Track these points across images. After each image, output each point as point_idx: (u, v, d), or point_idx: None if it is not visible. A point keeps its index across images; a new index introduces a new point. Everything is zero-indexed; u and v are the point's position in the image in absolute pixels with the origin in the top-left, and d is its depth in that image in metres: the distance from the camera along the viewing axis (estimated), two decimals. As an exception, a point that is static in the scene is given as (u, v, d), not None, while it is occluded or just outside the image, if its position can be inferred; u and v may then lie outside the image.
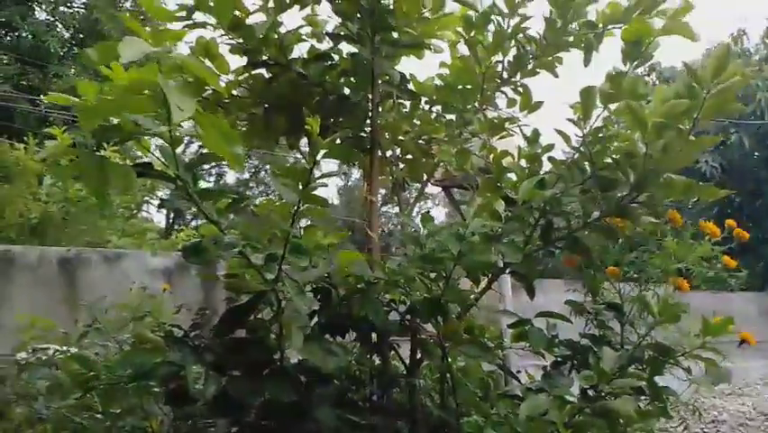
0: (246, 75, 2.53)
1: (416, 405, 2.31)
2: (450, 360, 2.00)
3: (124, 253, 6.58)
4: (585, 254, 2.21)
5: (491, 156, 2.59)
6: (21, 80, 12.86)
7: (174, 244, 9.74)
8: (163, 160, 1.44)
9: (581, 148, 2.01)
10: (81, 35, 14.41)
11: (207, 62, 2.52)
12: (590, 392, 1.81)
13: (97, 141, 1.35)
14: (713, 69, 1.89)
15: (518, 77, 2.55)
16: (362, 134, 2.57)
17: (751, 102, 10.38)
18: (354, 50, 2.43)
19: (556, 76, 2.61)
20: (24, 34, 14.18)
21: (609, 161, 2.02)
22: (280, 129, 2.60)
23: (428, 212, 2.01)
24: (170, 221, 21.77)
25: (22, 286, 5.63)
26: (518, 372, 2.50)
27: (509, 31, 2.38)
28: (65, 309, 5.35)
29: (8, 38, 14.29)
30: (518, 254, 1.99)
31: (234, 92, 2.62)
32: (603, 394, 1.71)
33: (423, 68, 2.70)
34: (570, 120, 2.07)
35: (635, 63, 2.04)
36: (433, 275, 1.95)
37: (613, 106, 2.06)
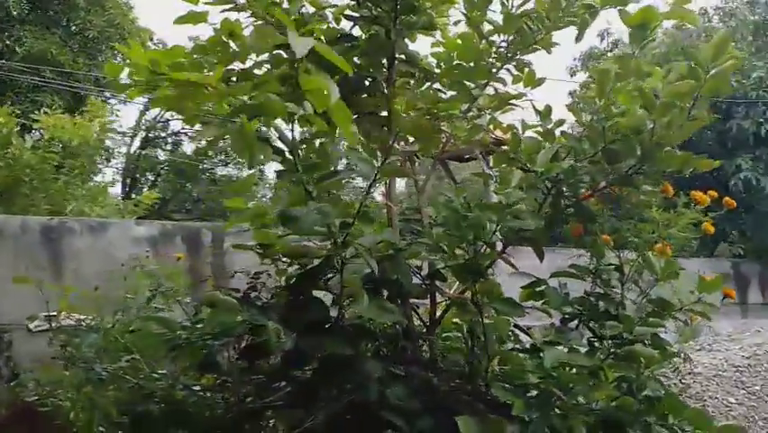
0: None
1: (435, 358, 2.55)
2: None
3: (108, 222, 6.59)
4: (591, 221, 2.45)
5: (496, 130, 2.81)
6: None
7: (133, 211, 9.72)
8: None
9: (593, 123, 2.23)
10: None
11: (231, 43, 2.65)
12: (606, 342, 2.06)
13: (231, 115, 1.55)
14: (712, 53, 2.13)
15: (518, 54, 2.73)
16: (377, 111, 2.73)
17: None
18: (372, 30, 2.57)
19: (550, 52, 2.82)
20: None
21: (618, 135, 2.24)
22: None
23: (462, 182, 2.20)
24: (127, 189, 21.55)
25: (5, 254, 5.60)
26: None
27: (517, 12, 2.54)
28: (48, 277, 5.37)
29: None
30: (540, 222, 2.20)
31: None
32: (626, 341, 1.95)
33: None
34: (581, 97, 2.27)
35: (642, 44, 2.24)
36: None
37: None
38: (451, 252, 2.11)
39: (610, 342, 2.01)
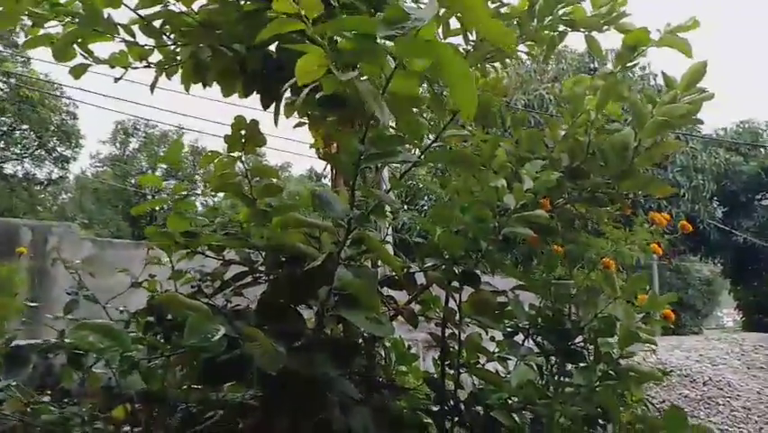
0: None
1: (392, 378, 2.31)
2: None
3: None
4: (551, 236, 2.38)
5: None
6: None
7: None
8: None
9: (579, 137, 2.17)
10: None
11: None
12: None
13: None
14: (687, 83, 2.18)
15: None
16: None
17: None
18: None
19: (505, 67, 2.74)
20: None
21: (595, 151, 2.21)
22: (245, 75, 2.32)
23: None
24: None
25: None
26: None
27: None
28: None
29: None
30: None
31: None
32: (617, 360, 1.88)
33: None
34: (562, 109, 2.21)
35: (625, 66, 2.24)
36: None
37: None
38: (451, 255, 1.88)
39: (599, 363, 1.93)
